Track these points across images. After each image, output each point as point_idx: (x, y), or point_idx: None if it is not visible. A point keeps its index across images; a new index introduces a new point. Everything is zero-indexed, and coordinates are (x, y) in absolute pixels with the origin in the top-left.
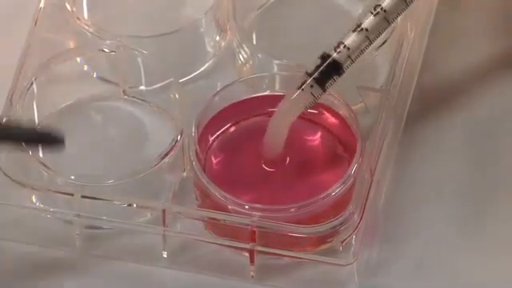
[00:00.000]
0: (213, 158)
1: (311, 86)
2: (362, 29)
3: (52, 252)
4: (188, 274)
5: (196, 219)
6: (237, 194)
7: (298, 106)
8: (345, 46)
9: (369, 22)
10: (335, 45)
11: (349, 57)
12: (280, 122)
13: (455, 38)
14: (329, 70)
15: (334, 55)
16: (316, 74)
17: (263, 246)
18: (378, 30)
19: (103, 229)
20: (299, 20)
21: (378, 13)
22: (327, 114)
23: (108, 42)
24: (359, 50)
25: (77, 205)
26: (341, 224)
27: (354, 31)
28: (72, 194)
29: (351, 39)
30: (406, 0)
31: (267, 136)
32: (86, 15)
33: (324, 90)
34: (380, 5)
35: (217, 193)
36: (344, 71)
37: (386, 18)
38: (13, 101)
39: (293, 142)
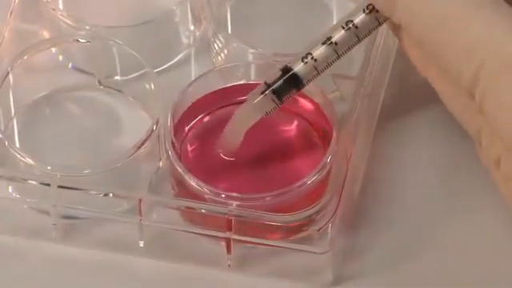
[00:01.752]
0: (189, 147)
1: (273, 94)
2: (331, 42)
3: (28, 242)
4: (165, 263)
5: (172, 208)
6: (213, 182)
7: (257, 112)
8: (312, 58)
9: (339, 36)
10: (303, 55)
11: (315, 68)
12: (237, 127)
13: None
14: (288, 83)
15: (297, 68)
16: (275, 86)
17: (240, 234)
18: (347, 44)
19: (80, 219)
20: (274, 9)
21: (349, 28)
22: (303, 102)
23: (83, 32)
24: (326, 62)
25: (53, 195)
26: (317, 212)
27: (323, 44)
28: (48, 185)
29: (319, 51)
30: (379, 19)
31: (223, 137)
32: (61, 6)
33: (281, 102)
34: (352, 20)
35: (193, 182)
36: (304, 85)
37: (357, 35)
38: None
39: (269, 130)
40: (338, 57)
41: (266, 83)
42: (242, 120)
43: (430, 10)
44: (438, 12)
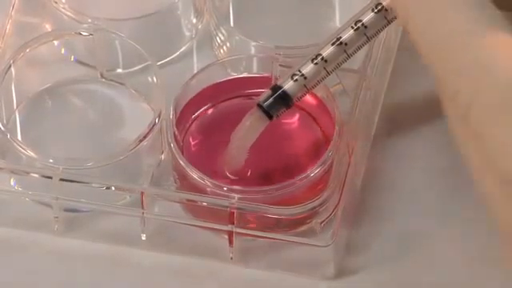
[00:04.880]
0: (191, 140)
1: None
2: (340, 42)
3: (30, 235)
4: (166, 255)
5: (174, 201)
6: (215, 175)
7: (256, 129)
8: (322, 58)
9: (348, 36)
10: (312, 57)
11: (324, 69)
12: (240, 144)
13: None
14: (280, 99)
15: (306, 70)
16: (285, 88)
17: (242, 227)
18: (356, 44)
19: (82, 212)
20: (276, 1)
21: (358, 28)
22: (305, 96)
23: (85, 25)
24: (335, 63)
25: (55, 188)
26: (319, 205)
27: (332, 44)
28: (50, 177)
29: (329, 52)
30: (388, 18)
31: (227, 156)
32: None
33: (292, 104)
34: (361, 20)
35: (195, 175)
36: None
37: (366, 34)
38: None
39: (271, 124)
40: (348, 57)
41: (275, 87)
42: (246, 135)
43: (433, 31)
44: (439, 34)
